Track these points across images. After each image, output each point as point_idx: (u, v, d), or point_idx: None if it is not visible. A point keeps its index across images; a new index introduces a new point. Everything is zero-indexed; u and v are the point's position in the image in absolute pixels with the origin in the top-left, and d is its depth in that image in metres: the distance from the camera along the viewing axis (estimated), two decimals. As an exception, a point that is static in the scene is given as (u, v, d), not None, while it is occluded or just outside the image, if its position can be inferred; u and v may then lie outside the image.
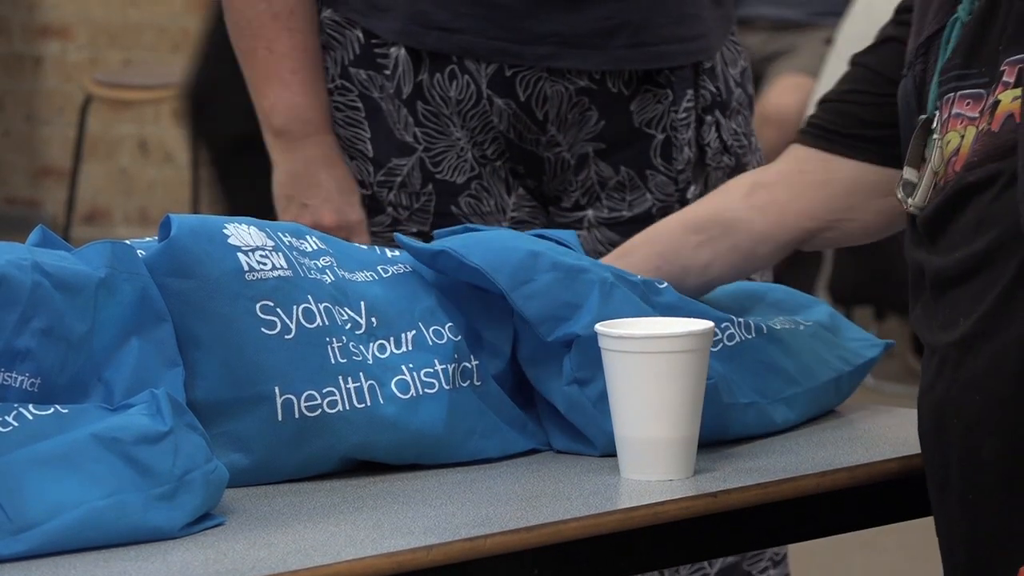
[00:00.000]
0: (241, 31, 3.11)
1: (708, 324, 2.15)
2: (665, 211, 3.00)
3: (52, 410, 1.91)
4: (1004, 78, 2.13)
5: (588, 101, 3.01)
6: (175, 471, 1.90)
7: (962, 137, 2.16)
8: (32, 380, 1.96)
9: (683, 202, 3.00)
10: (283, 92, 3.07)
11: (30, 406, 1.90)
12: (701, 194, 3.02)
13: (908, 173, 2.22)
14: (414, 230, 2.92)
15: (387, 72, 3.01)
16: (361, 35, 2.99)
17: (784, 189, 2.50)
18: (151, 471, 1.88)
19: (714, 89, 3.05)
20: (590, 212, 3.04)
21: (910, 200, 2.18)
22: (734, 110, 3.09)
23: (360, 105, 3.03)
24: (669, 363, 2.10)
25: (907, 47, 2.36)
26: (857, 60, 2.45)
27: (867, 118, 2.44)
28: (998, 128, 2.11)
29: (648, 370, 2.09)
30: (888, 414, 2.49)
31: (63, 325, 1.96)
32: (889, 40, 2.43)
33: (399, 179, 3.04)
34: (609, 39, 2.98)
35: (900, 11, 2.41)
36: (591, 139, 3.03)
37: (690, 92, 3.02)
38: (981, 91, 2.19)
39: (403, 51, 2.95)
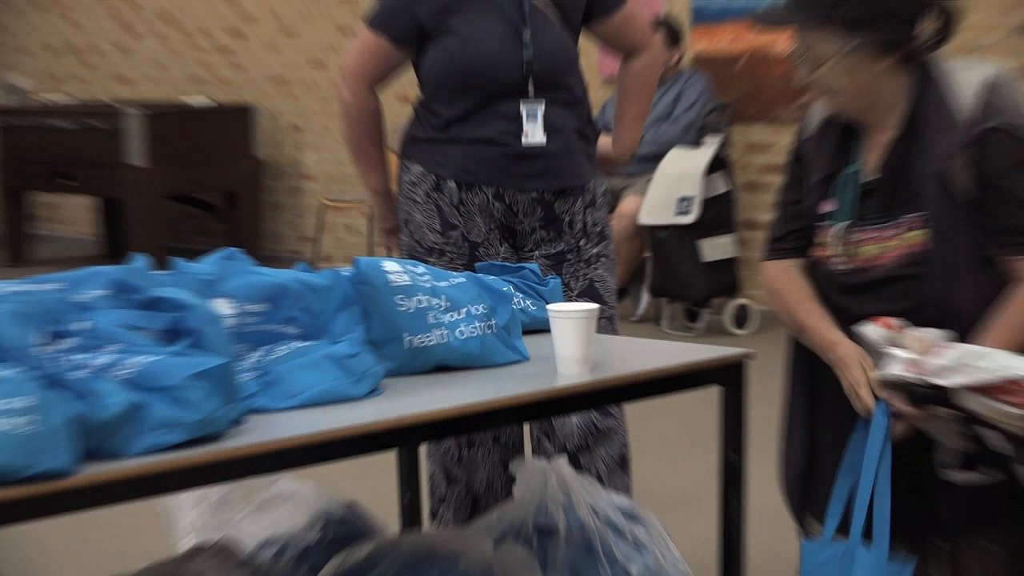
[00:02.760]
0: (356, 145, 4.48)
1: (595, 306, 3.08)
2: (571, 251, 4.29)
3: (304, 345, 2.87)
4: (909, 224, 2.95)
5: (537, 203, 4.26)
6: (361, 369, 2.85)
7: (884, 247, 3.00)
8: (298, 331, 2.93)
9: (578, 249, 4.28)
10: (377, 176, 4.47)
11: (296, 342, 2.89)
12: (583, 247, 4.26)
13: (823, 249, 3.08)
14: (460, 264, 4.24)
15: (448, 193, 4.22)
16: (434, 178, 4.23)
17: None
18: (351, 370, 2.84)
19: (590, 197, 4.29)
20: (536, 252, 4.27)
21: (841, 263, 3.05)
22: (599, 206, 4.33)
23: (434, 209, 4.22)
24: (583, 322, 3.04)
25: (806, 178, 3.17)
26: (784, 194, 3.28)
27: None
28: (911, 250, 2.97)
29: (574, 324, 3.03)
30: (677, 345, 3.44)
31: (311, 307, 2.95)
32: (796, 173, 3.24)
33: (453, 240, 4.25)
34: (546, 175, 4.24)
35: (794, 159, 3.24)
36: (537, 220, 4.28)
37: (580, 199, 4.28)
38: (889, 226, 3.01)
39: (453, 183, 4.23)
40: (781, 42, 8.79)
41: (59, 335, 2.69)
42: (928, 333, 2.96)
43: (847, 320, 3.08)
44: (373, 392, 2.93)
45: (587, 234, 4.38)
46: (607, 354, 3.34)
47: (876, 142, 3.08)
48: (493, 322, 3.21)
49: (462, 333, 3.15)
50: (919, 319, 2.98)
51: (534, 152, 4.25)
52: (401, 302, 3.07)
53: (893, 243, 3.02)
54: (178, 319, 2.73)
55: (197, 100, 11.29)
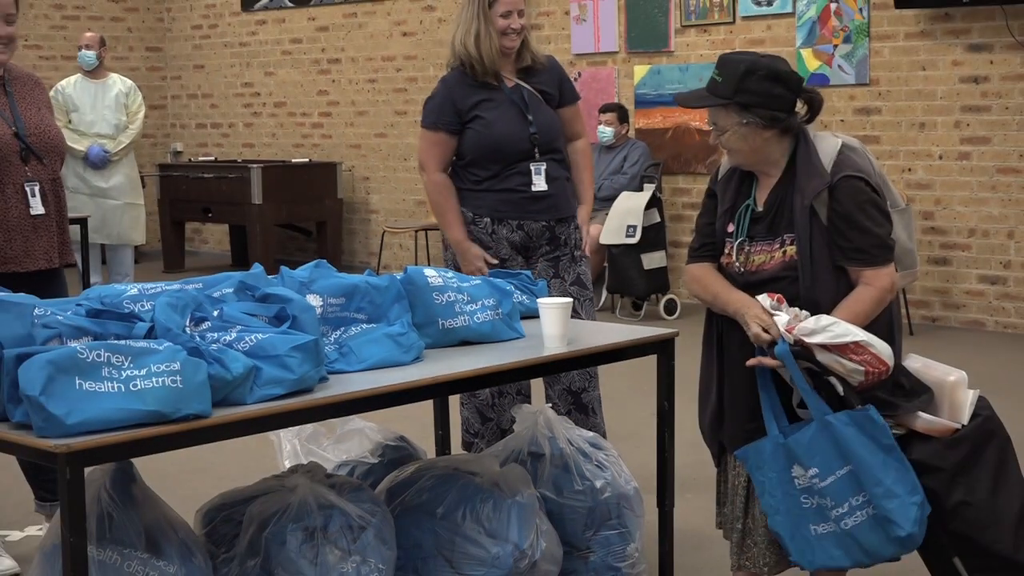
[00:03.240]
0: (438, 207, 4.29)
1: (570, 300, 3.08)
2: (565, 255, 4.22)
3: (369, 327, 2.93)
4: (786, 242, 2.92)
5: (545, 228, 4.23)
6: (409, 344, 2.91)
7: (770, 257, 2.94)
8: (365, 317, 2.97)
9: (574, 258, 4.23)
10: (456, 230, 4.26)
11: (363, 325, 2.93)
12: (574, 253, 4.19)
13: (727, 257, 2.98)
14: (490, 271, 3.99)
15: (483, 226, 4.20)
16: (471, 215, 4.19)
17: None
18: (402, 344, 2.88)
19: (575, 222, 4.27)
20: (542, 259, 4.23)
21: (739, 267, 2.96)
22: (579, 227, 4.23)
23: (473, 238, 4.16)
24: (561, 310, 3.09)
25: (717, 208, 3.07)
26: (701, 219, 3.13)
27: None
28: (787, 259, 2.91)
29: (555, 312, 3.09)
30: (626, 327, 3.42)
31: (374, 300, 2.98)
32: (709, 205, 3.14)
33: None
34: (550, 210, 4.23)
35: (708, 195, 3.14)
36: (544, 240, 4.26)
37: (571, 223, 4.25)
38: (773, 243, 2.95)
39: (488, 219, 4.21)
40: (696, 120, 8.80)
41: (200, 319, 2.68)
42: (798, 311, 2.89)
43: None
44: (417, 360, 2.94)
45: (575, 245, 4.36)
46: (579, 333, 3.30)
47: (765, 185, 3.01)
48: (500, 311, 3.20)
49: (478, 318, 3.15)
50: (793, 306, 2.92)
51: (541, 195, 4.22)
52: (436, 297, 3.09)
53: (776, 254, 2.94)
54: (283, 308, 2.73)
55: (298, 159, 11.31)
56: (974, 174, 7.68)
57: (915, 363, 2.97)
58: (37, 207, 3.70)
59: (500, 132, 4.19)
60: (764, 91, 2.89)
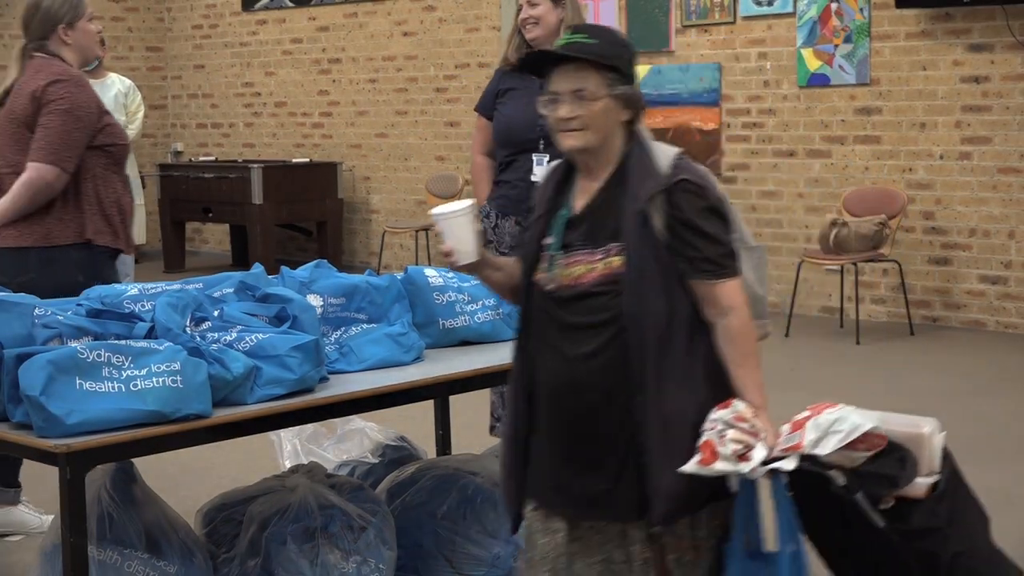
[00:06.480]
0: (474, 187, 4.34)
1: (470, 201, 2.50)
2: None
3: (370, 327, 2.93)
4: (611, 251, 2.44)
5: None
6: (409, 344, 2.91)
7: (590, 268, 2.45)
8: (365, 317, 2.96)
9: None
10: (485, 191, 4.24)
11: (364, 325, 2.93)
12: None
13: (539, 272, 2.50)
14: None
15: (491, 221, 4.19)
16: (485, 208, 4.12)
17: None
18: (402, 344, 2.90)
19: None
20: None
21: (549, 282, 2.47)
22: None
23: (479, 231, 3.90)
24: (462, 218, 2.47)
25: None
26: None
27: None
28: (610, 272, 2.43)
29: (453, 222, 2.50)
30: None
31: (375, 300, 2.98)
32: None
33: (489, 251, 3.64)
34: None
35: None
36: None
37: None
38: (594, 252, 2.46)
39: (494, 213, 4.19)
40: (697, 120, 8.80)
41: (200, 319, 2.69)
42: (756, 427, 2.40)
43: (559, 327, 2.51)
44: (417, 360, 2.97)
45: None
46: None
47: (585, 189, 2.54)
48: (500, 311, 3.21)
49: (479, 318, 3.17)
50: (617, 326, 2.47)
51: None
52: (437, 297, 3.11)
53: (598, 266, 2.47)
54: (283, 308, 2.74)
55: (299, 159, 11.34)
56: (975, 174, 7.70)
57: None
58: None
59: (510, 117, 4.22)
60: (633, 71, 2.50)
